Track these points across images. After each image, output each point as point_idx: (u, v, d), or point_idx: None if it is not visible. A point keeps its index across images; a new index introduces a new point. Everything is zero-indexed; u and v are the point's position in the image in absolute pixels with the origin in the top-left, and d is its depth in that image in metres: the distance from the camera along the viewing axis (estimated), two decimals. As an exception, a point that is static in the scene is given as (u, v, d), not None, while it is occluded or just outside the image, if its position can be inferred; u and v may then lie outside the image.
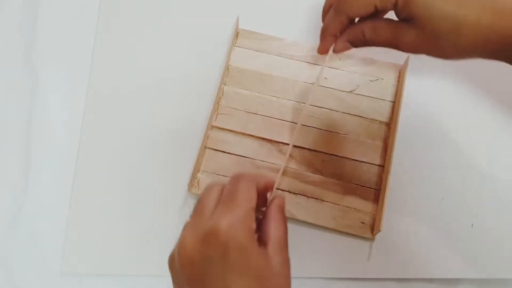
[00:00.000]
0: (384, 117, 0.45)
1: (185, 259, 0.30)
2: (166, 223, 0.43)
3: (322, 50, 0.41)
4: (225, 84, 0.46)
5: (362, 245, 0.42)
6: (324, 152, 0.44)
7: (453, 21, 0.33)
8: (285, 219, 0.34)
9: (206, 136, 0.43)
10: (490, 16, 0.34)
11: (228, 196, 0.31)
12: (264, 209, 0.36)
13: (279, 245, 0.32)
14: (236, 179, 0.32)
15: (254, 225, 0.30)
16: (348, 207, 0.42)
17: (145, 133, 0.45)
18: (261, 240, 0.32)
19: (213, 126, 0.45)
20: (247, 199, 0.31)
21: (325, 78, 0.46)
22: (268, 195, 0.36)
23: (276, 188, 0.42)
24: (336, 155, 0.44)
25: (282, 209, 0.35)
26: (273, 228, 0.32)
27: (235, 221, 0.29)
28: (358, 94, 0.46)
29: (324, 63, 0.43)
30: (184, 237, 0.30)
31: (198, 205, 0.32)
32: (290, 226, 0.42)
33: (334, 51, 0.41)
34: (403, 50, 0.38)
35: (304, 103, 0.45)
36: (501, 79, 0.47)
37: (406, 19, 0.35)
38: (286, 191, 0.43)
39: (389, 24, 0.37)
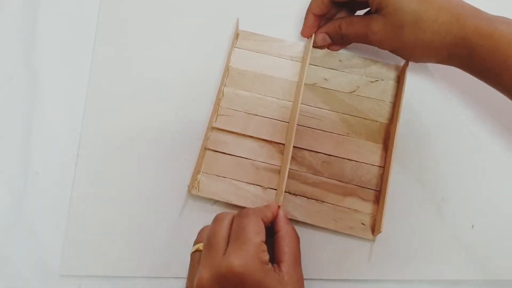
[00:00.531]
0: (385, 118, 0.45)
1: None
2: (166, 225, 0.42)
3: (305, 31, 0.46)
4: (225, 86, 0.46)
5: (363, 247, 0.42)
6: (324, 153, 0.44)
7: (414, 13, 0.38)
8: (294, 230, 0.36)
9: (206, 138, 0.43)
10: (447, 16, 0.38)
11: (237, 234, 0.33)
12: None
13: (293, 263, 0.34)
14: (243, 215, 0.34)
15: (266, 257, 0.32)
16: (348, 208, 0.42)
17: (145, 134, 0.45)
18: (275, 260, 0.34)
19: (213, 128, 0.45)
20: (255, 234, 0.32)
21: (325, 79, 0.46)
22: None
23: (275, 189, 0.43)
24: (337, 156, 0.44)
25: (288, 221, 0.37)
26: (285, 245, 0.34)
27: (247, 259, 0.31)
28: (358, 95, 0.46)
29: (307, 59, 0.45)
30: (201, 277, 0.31)
31: (211, 238, 0.33)
32: (291, 227, 0.42)
33: (314, 43, 0.46)
34: (372, 41, 0.42)
35: (304, 104, 0.45)
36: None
37: (377, 10, 0.40)
38: (286, 192, 0.43)
39: (362, 18, 0.43)
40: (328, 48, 0.47)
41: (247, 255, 0.31)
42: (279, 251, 0.34)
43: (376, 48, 0.43)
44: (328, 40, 0.45)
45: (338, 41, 0.45)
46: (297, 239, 0.36)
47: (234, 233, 0.33)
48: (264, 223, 0.34)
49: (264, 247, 0.32)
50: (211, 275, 0.31)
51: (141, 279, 0.42)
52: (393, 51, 0.42)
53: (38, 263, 0.42)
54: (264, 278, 0.31)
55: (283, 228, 0.35)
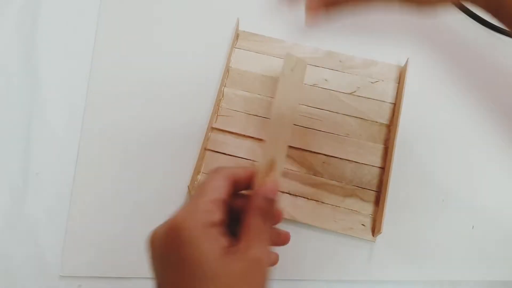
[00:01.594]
0: (385, 119, 0.45)
1: (152, 250, 0.29)
2: (166, 225, 0.42)
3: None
4: (225, 86, 0.46)
5: (363, 247, 0.42)
6: (324, 154, 0.44)
7: None
8: (268, 215, 0.30)
9: (206, 138, 0.43)
10: None
11: (197, 189, 0.30)
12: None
13: (249, 245, 0.28)
14: (212, 171, 0.31)
15: (211, 217, 0.28)
16: (348, 209, 0.42)
17: (145, 134, 0.45)
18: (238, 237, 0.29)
19: (213, 128, 0.45)
20: (210, 190, 0.29)
21: (326, 80, 0.46)
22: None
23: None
24: (337, 157, 0.44)
25: (265, 203, 0.30)
26: (246, 224, 0.29)
27: (190, 214, 0.28)
28: (358, 96, 0.46)
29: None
30: (153, 231, 0.29)
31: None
32: (291, 228, 0.42)
33: (307, 8, 0.39)
34: None
35: (305, 105, 0.45)
36: (502, 81, 0.47)
37: None
38: (286, 193, 0.43)
39: None
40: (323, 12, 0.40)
41: (191, 210, 0.28)
42: (241, 228, 0.29)
43: (377, 49, 0.43)
44: (323, 6, 0.39)
45: (329, 4, 0.39)
46: (267, 218, 0.30)
47: (196, 189, 0.31)
48: (236, 183, 0.30)
49: (215, 206, 0.28)
50: (160, 229, 0.29)
51: (141, 280, 0.42)
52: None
53: (38, 263, 0.42)
54: (199, 238, 0.26)
55: (250, 205, 0.30)
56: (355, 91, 0.46)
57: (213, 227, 0.27)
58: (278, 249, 0.42)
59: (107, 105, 0.46)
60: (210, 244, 0.27)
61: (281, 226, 0.42)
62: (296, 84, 0.35)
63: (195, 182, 0.43)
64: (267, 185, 0.31)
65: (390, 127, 0.44)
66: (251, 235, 0.29)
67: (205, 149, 0.44)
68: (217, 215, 0.28)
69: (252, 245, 0.28)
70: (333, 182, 0.43)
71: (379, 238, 0.41)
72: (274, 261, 0.33)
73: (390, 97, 0.46)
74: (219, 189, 0.29)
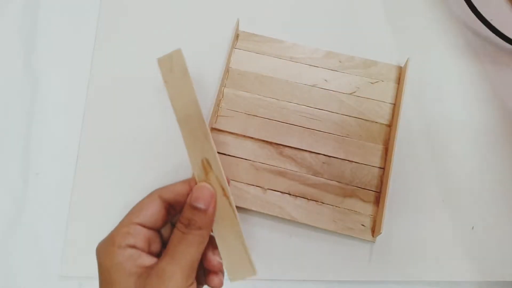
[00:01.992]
0: (385, 119, 0.45)
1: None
2: (166, 226, 0.42)
3: None
4: (225, 87, 0.46)
5: (363, 248, 0.42)
6: (324, 155, 0.44)
7: None
8: (193, 225, 0.28)
9: (206, 138, 0.43)
10: None
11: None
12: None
13: (167, 263, 0.27)
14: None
15: (124, 240, 0.28)
16: (348, 209, 0.42)
17: (145, 134, 0.45)
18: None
19: (213, 129, 0.45)
20: (130, 213, 0.28)
21: (325, 80, 0.46)
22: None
23: (275, 190, 0.43)
24: (337, 157, 0.44)
25: (189, 213, 0.28)
26: (169, 241, 0.28)
27: (105, 240, 0.28)
28: (358, 96, 0.46)
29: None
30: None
31: None
32: (291, 229, 0.43)
33: None
34: None
35: (304, 105, 0.45)
36: (502, 81, 0.47)
37: None
38: (286, 193, 0.43)
39: None
40: None
41: (108, 235, 0.28)
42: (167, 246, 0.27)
43: (377, 49, 0.43)
44: None
45: None
46: (192, 229, 0.27)
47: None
48: (176, 199, 0.29)
49: (129, 228, 0.28)
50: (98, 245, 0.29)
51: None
52: None
53: (38, 264, 0.42)
54: (106, 262, 0.27)
55: (177, 226, 0.28)
56: (355, 92, 0.46)
57: (130, 249, 0.27)
58: (278, 249, 0.42)
59: (107, 104, 0.46)
60: (122, 264, 0.26)
61: (281, 226, 0.42)
62: (183, 80, 0.32)
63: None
64: (192, 193, 0.29)
65: (390, 127, 0.44)
66: (168, 253, 0.27)
67: (205, 149, 0.44)
68: (125, 237, 0.27)
69: (169, 262, 0.26)
70: (333, 182, 0.43)
71: (379, 238, 0.41)
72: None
73: (390, 97, 0.46)
74: (137, 213, 0.28)
